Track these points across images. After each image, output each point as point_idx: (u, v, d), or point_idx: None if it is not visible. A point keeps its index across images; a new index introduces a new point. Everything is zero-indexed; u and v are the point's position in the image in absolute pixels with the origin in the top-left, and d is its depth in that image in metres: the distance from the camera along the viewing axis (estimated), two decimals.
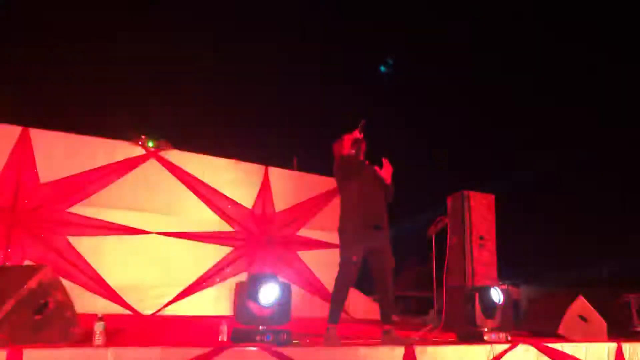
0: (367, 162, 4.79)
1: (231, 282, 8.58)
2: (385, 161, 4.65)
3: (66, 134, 8.13)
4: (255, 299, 3.89)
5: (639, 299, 5.96)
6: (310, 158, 10.49)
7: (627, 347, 5.13)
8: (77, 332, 3.34)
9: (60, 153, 7.98)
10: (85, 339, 3.33)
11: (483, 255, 6.94)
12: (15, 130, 7.77)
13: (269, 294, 3.90)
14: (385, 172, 4.63)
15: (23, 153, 7.73)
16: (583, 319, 5.45)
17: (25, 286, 3.15)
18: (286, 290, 4.00)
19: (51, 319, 3.21)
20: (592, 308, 5.50)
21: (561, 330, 5.42)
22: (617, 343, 5.10)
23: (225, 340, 3.97)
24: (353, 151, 4.62)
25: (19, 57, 10.34)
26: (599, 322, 5.45)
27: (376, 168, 4.70)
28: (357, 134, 4.68)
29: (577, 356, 4.79)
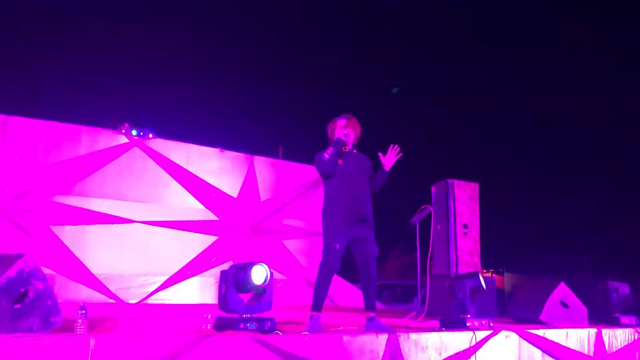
0: (354, 151, 4.74)
1: (216, 271, 8.58)
2: (393, 148, 4.59)
3: (48, 122, 8.02)
4: (238, 285, 3.88)
5: (617, 286, 6.05)
6: (296, 147, 10.49)
7: (607, 332, 5.21)
8: (59, 321, 3.30)
9: (42, 142, 7.87)
10: (67, 328, 3.31)
11: (467, 243, 6.98)
12: None
13: (253, 278, 3.88)
14: (388, 159, 4.58)
15: (4, 142, 7.62)
16: (565, 305, 5.52)
17: (4, 275, 3.11)
18: (270, 279, 3.99)
19: (31, 308, 3.18)
20: (574, 294, 5.58)
21: (543, 317, 5.49)
22: (597, 329, 5.18)
23: (208, 328, 3.96)
24: (331, 153, 4.53)
25: None
26: (580, 308, 5.53)
27: (379, 154, 4.63)
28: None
29: (558, 342, 4.85)
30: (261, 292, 3.92)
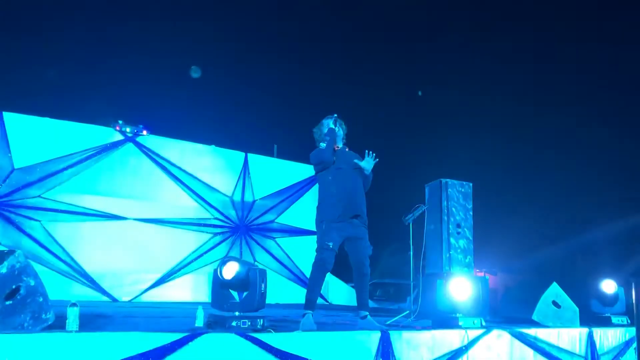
0: (347, 148, 4.77)
1: (209, 269, 8.57)
2: (368, 153, 4.61)
3: (41, 117, 7.98)
4: (220, 277, 3.89)
5: (609, 286, 6.07)
6: (291, 146, 10.47)
7: (598, 332, 5.24)
8: (50, 318, 3.29)
9: (35, 137, 7.84)
10: (59, 326, 3.29)
11: (460, 242, 6.99)
12: None
13: (229, 270, 3.91)
14: (367, 163, 4.61)
15: None
16: (556, 305, 5.54)
17: None
18: (262, 277, 3.99)
19: (22, 304, 3.16)
20: (565, 295, 5.60)
21: (535, 316, 5.51)
22: (589, 328, 5.20)
23: (201, 326, 3.96)
24: (327, 141, 4.57)
25: None
26: (572, 308, 5.55)
27: (356, 161, 4.66)
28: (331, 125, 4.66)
29: (550, 341, 4.87)
30: (239, 287, 3.93)
